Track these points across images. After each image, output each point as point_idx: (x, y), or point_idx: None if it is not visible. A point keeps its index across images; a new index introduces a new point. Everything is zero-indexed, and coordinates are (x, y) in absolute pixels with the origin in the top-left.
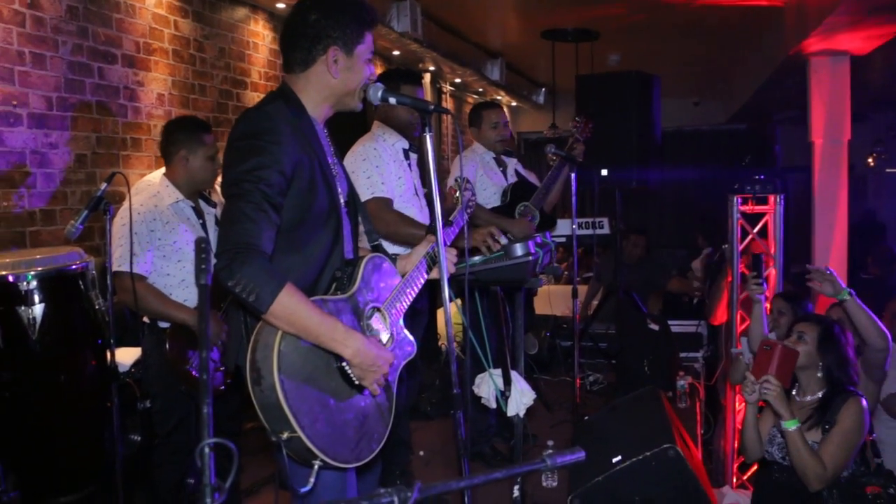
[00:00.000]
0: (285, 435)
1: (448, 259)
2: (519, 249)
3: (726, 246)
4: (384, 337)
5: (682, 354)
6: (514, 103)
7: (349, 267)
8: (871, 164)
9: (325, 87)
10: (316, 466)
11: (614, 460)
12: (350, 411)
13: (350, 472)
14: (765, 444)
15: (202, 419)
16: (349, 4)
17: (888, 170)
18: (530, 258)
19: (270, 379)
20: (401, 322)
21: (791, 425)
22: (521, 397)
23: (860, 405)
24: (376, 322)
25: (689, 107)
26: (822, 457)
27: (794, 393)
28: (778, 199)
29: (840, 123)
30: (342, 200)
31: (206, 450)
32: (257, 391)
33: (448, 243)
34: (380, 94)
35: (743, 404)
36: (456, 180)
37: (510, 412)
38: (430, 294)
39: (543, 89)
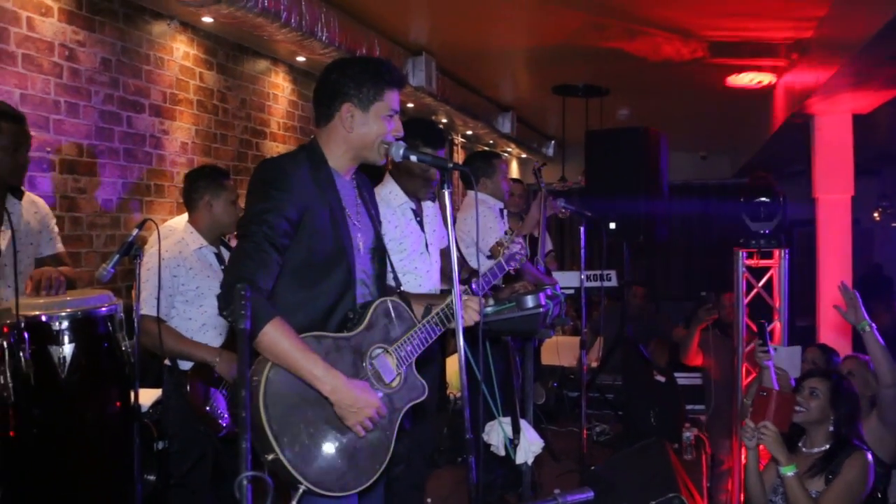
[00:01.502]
0: (270, 457)
1: (472, 308)
2: (530, 301)
3: (704, 293)
4: (390, 378)
5: (688, 407)
6: (523, 155)
7: (363, 309)
8: (877, 218)
9: (342, 140)
10: (300, 490)
11: None
12: (339, 443)
13: (348, 500)
14: (768, 493)
15: (241, 454)
16: (367, 64)
17: (894, 224)
18: (541, 309)
19: (256, 402)
20: (412, 365)
21: (788, 471)
22: (530, 446)
23: (866, 459)
24: (383, 363)
25: (697, 160)
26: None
27: (800, 444)
28: (783, 254)
29: (843, 180)
30: (360, 246)
31: (245, 482)
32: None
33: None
34: (401, 152)
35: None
36: (505, 233)
37: (519, 460)
38: (441, 342)
39: (553, 142)
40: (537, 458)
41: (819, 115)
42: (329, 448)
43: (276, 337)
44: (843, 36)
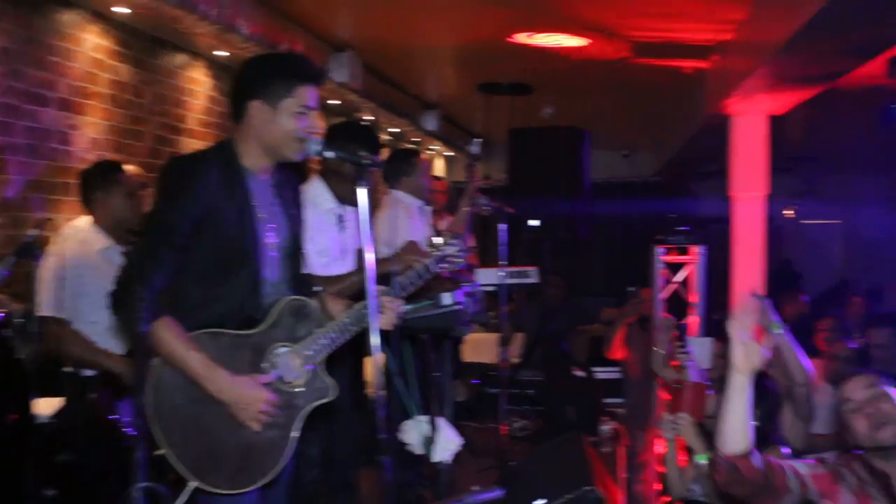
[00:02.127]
0: (162, 451)
1: (390, 308)
2: (447, 298)
3: (631, 289)
4: (293, 376)
5: (608, 400)
6: (448, 153)
7: (269, 308)
8: (790, 215)
9: (253, 138)
10: (189, 487)
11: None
12: (230, 440)
13: (247, 496)
14: (688, 482)
15: (135, 462)
16: (278, 60)
17: (802, 221)
18: (459, 307)
19: (148, 400)
20: (319, 365)
21: (703, 459)
22: (448, 444)
23: (780, 454)
24: (286, 362)
25: (620, 159)
26: None
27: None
28: (699, 250)
29: (759, 179)
30: (272, 246)
31: (136, 493)
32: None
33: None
34: (317, 148)
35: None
36: (440, 234)
37: (435, 458)
38: (357, 342)
39: (478, 139)
40: (456, 456)
41: (736, 116)
42: (219, 445)
43: (163, 336)
44: (761, 39)
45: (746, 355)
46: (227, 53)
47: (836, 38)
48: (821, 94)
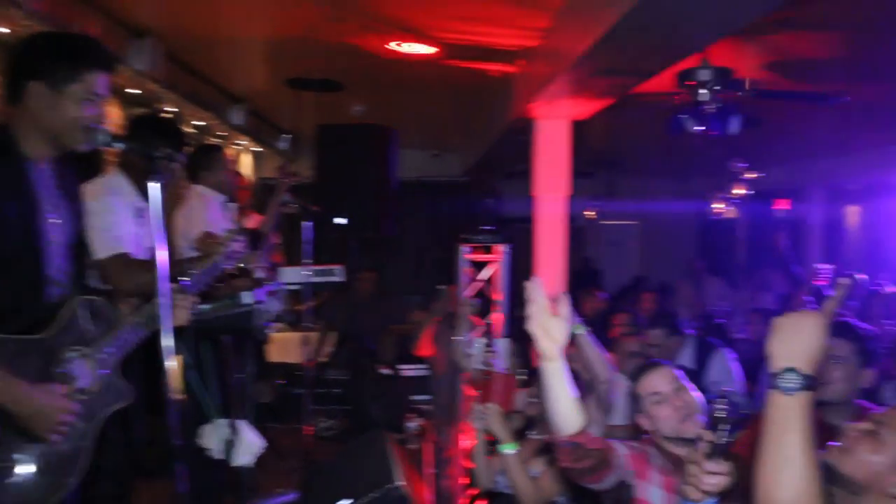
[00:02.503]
0: None
1: (183, 306)
2: (247, 297)
3: (441, 287)
4: (86, 382)
5: (416, 397)
6: (257, 148)
7: (55, 309)
8: (590, 217)
9: (31, 122)
10: None
11: None
12: (25, 456)
13: None
14: (495, 475)
15: None
16: (65, 40)
17: (603, 222)
18: (259, 306)
19: None
20: (113, 369)
21: (508, 448)
22: (249, 447)
23: None
24: (79, 367)
25: (430, 158)
26: (541, 482)
27: (527, 433)
28: (503, 249)
29: (560, 180)
30: (56, 241)
31: None
32: None
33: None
34: (106, 138)
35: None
36: (229, 231)
37: (236, 462)
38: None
39: (289, 136)
40: (261, 459)
41: (540, 119)
42: (13, 462)
43: None
44: (563, 47)
45: (550, 339)
46: (6, 30)
47: (631, 50)
48: (620, 101)
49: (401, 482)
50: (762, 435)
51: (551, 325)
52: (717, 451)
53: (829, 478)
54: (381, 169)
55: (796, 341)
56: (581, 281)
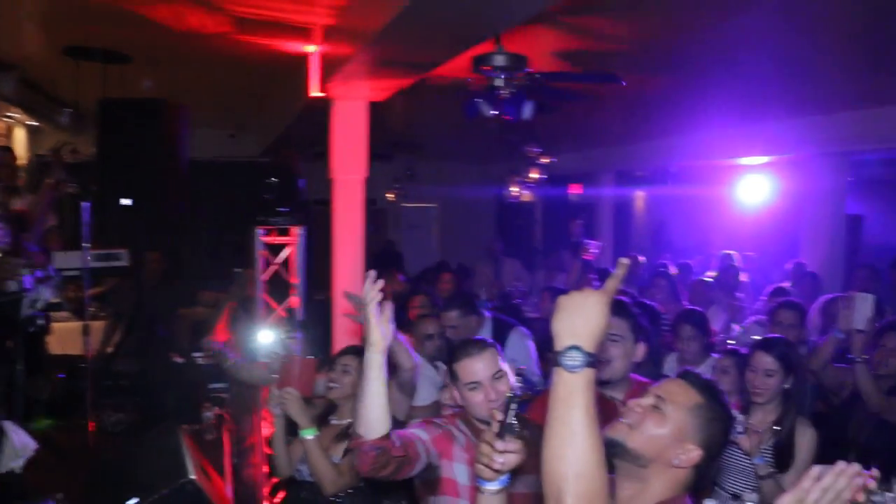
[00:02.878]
0: None
1: None
2: (13, 285)
3: (238, 270)
4: None
5: (213, 385)
6: (32, 123)
7: None
8: (391, 199)
9: None
10: None
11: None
12: None
13: None
14: (296, 463)
15: None
16: None
17: (404, 205)
18: (27, 294)
19: None
20: None
21: (308, 434)
22: (17, 450)
23: None
24: None
25: (226, 138)
26: (343, 468)
27: (330, 419)
28: (299, 231)
29: (358, 162)
30: None
31: None
32: None
33: None
34: None
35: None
36: None
37: (3, 468)
38: None
39: (70, 110)
40: (36, 460)
41: (337, 100)
42: None
43: None
44: (359, 26)
45: (382, 333)
46: None
47: (426, 32)
48: (417, 84)
49: (194, 476)
50: (548, 411)
51: (383, 319)
52: (507, 430)
53: (614, 453)
54: (170, 147)
55: (579, 320)
56: (383, 263)
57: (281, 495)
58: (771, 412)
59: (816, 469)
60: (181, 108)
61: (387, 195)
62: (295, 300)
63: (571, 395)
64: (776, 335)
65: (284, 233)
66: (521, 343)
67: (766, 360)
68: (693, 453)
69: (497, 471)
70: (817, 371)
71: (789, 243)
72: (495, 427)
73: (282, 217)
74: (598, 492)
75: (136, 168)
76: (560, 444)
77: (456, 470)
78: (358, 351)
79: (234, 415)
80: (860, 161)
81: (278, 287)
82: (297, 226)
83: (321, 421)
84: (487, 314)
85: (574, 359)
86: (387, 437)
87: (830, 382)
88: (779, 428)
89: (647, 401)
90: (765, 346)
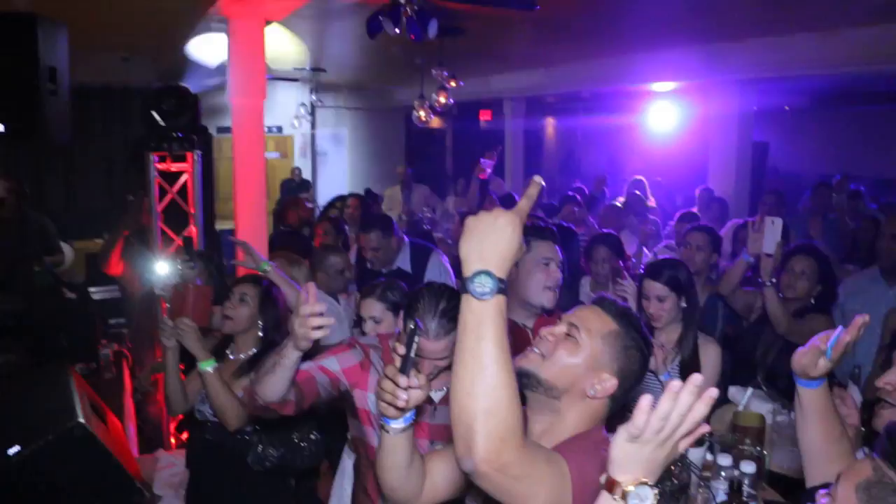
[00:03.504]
0: None
1: None
2: None
3: (130, 197)
4: None
5: (111, 321)
6: None
7: None
8: (296, 125)
9: None
10: None
11: (11, 451)
12: None
13: None
14: (193, 401)
15: None
16: None
17: (312, 131)
18: None
19: None
20: None
21: (206, 366)
22: None
23: None
24: None
25: (119, 62)
26: (244, 400)
27: (227, 352)
28: (196, 157)
29: (256, 85)
30: None
31: None
32: None
33: None
34: None
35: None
36: None
37: None
38: None
39: None
40: None
41: (233, 19)
42: None
43: None
44: None
45: (307, 336)
46: None
47: None
48: (319, 3)
49: (82, 419)
50: (456, 343)
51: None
52: (409, 365)
53: (526, 384)
54: (44, 67)
55: (488, 243)
56: (290, 192)
57: (185, 435)
58: (674, 331)
59: (646, 399)
60: (56, 26)
61: (293, 121)
62: (193, 230)
63: (481, 325)
64: (665, 257)
65: (180, 159)
66: (442, 267)
67: (655, 287)
68: (608, 383)
69: (400, 409)
70: (726, 295)
71: (698, 170)
72: (398, 362)
73: (176, 142)
74: (511, 429)
75: (8, 92)
76: (469, 378)
77: (369, 400)
78: (256, 280)
79: (135, 351)
80: (767, 89)
81: (178, 217)
82: (192, 151)
83: (217, 356)
84: (404, 238)
85: (483, 285)
86: (284, 403)
87: (739, 306)
88: (680, 348)
89: (560, 329)
90: (651, 273)
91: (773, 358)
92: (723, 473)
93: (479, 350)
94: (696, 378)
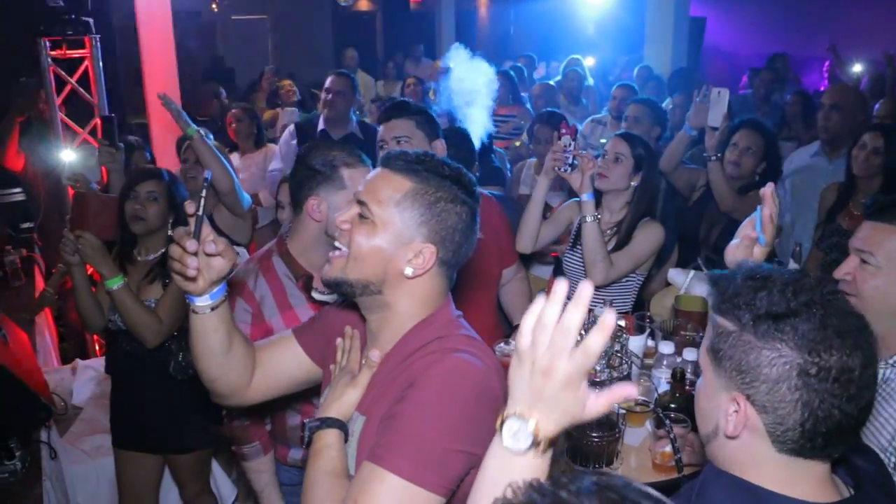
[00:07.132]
0: None
1: None
2: None
3: (23, 79)
4: None
5: (22, 225)
6: None
7: None
8: (215, 9)
9: None
10: None
11: None
12: None
13: None
14: (108, 313)
15: None
16: None
17: (234, 16)
18: None
19: None
20: None
21: (114, 284)
22: None
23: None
24: None
25: None
26: (159, 312)
27: (136, 253)
28: (95, 42)
29: None
30: None
31: None
32: None
33: None
34: None
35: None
36: None
37: None
38: None
39: None
40: None
41: None
42: None
43: None
44: None
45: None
46: None
47: None
48: None
49: None
50: None
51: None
52: (200, 225)
53: (347, 292)
54: None
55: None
56: (214, 78)
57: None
58: (619, 214)
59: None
60: None
61: (212, 5)
62: (98, 121)
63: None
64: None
65: (78, 45)
66: None
67: (619, 144)
68: (426, 252)
69: (192, 278)
70: (667, 172)
71: (634, 47)
72: (191, 224)
73: (70, 26)
74: None
75: None
76: None
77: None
78: (157, 174)
79: (47, 255)
80: None
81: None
82: (89, 35)
83: (125, 255)
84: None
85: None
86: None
87: (681, 184)
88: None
89: (351, 212)
90: (625, 135)
91: (716, 236)
92: (665, 362)
93: None
94: (558, 289)
